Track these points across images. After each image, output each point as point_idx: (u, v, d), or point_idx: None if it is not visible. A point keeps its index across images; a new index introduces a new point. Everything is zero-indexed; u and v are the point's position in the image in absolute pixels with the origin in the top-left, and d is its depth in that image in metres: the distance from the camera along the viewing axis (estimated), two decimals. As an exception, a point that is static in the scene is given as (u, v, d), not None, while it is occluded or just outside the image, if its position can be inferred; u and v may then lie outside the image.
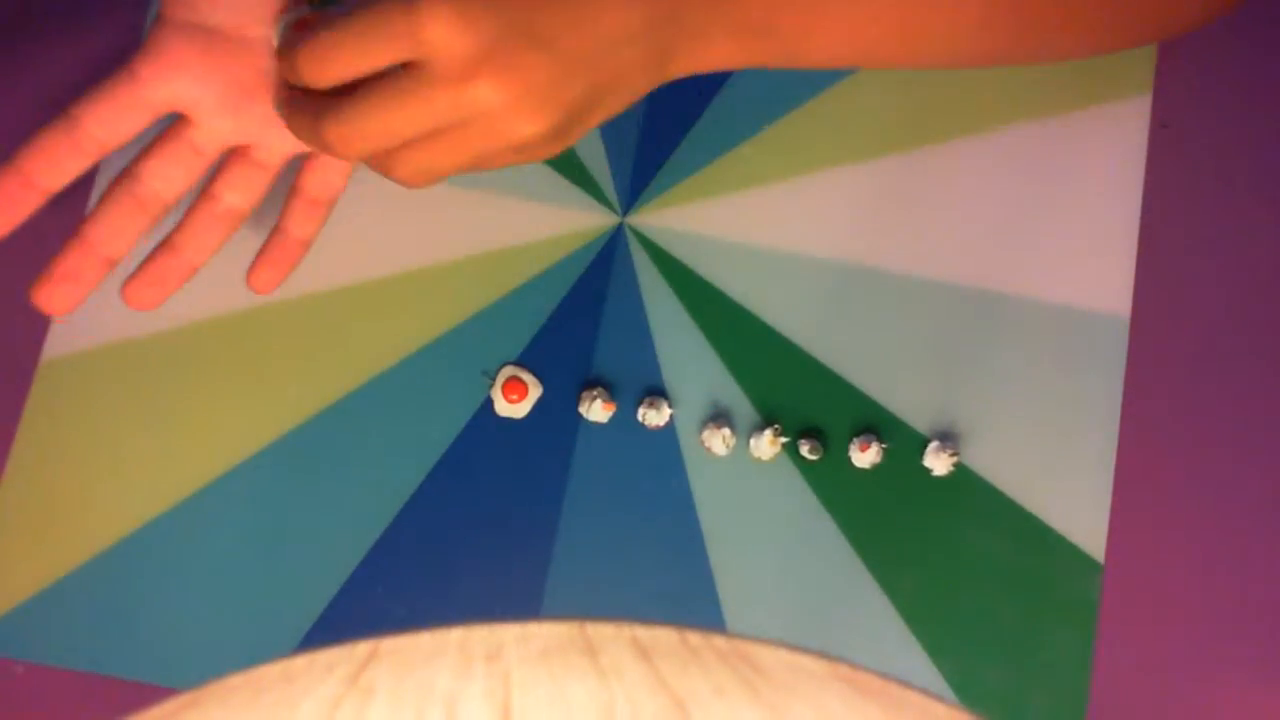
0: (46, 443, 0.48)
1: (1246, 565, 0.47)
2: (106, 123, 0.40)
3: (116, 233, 0.42)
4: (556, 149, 0.39)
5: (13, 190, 0.40)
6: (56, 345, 0.49)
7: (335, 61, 0.36)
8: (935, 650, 0.46)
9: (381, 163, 0.38)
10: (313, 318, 0.47)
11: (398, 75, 0.35)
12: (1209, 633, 0.47)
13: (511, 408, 0.48)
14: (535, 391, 0.48)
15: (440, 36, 0.34)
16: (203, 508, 0.48)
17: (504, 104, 0.36)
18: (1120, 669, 0.46)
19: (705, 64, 0.39)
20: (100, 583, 0.47)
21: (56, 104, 0.40)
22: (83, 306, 0.49)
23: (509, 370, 0.48)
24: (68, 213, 0.50)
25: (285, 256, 0.45)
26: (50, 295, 0.42)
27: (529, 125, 0.37)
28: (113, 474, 0.48)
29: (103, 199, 0.42)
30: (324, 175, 0.44)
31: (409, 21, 0.34)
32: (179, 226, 0.43)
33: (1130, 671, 0.46)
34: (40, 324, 0.49)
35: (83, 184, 0.50)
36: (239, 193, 0.42)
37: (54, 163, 0.40)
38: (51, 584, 0.47)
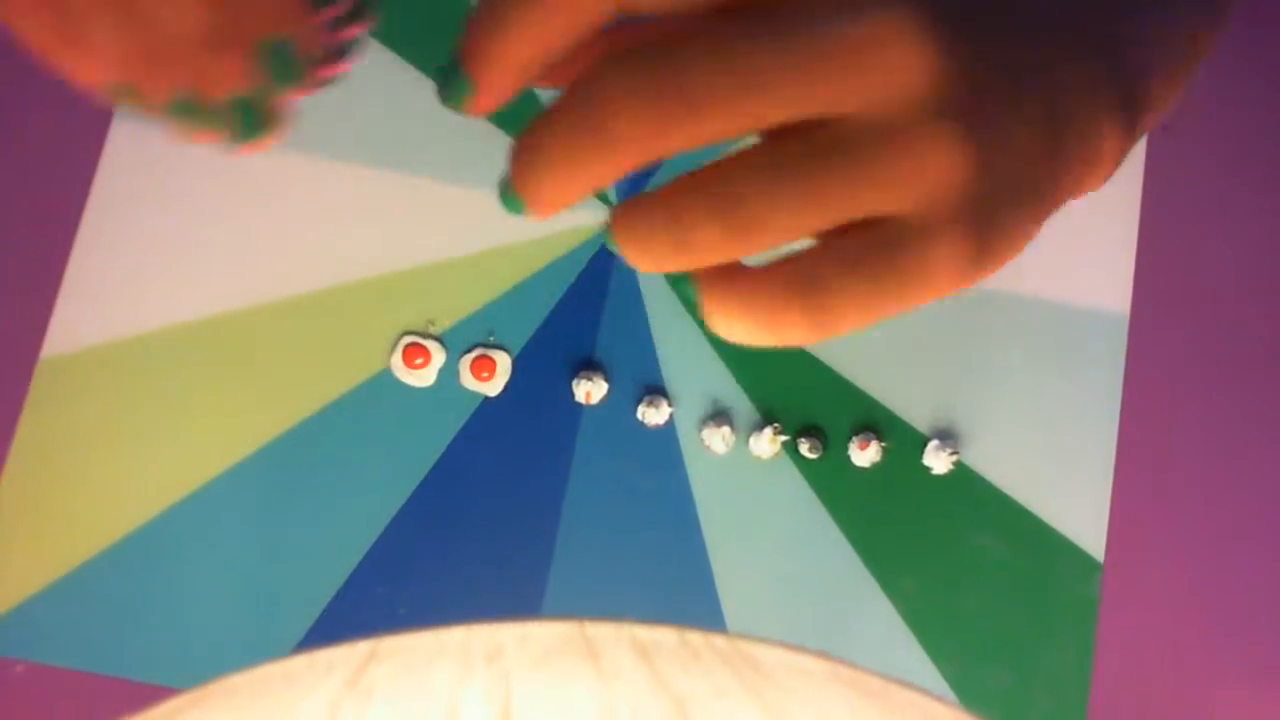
0: (45, 441, 0.48)
1: (1245, 565, 0.47)
2: None
3: None
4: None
5: None
6: (55, 343, 0.49)
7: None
8: (935, 650, 0.46)
9: None
10: (313, 315, 0.47)
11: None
12: (1209, 633, 0.47)
13: (482, 385, 0.48)
14: (505, 368, 0.48)
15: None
16: (202, 506, 0.48)
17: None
18: (1120, 669, 0.46)
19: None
20: (100, 582, 0.47)
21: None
22: (82, 305, 0.49)
23: (477, 350, 0.48)
24: (64, 210, 0.50)
25: None
26: None
27: None
28: (112, 473, 0.48)
29: None
30: None
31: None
32: None
33: (1130, 671, 0.46)
34: (39, 322, 0.49)
35: (78, 194, 0.50)
36: None
37: None
38: (51, 583, 0.47)
